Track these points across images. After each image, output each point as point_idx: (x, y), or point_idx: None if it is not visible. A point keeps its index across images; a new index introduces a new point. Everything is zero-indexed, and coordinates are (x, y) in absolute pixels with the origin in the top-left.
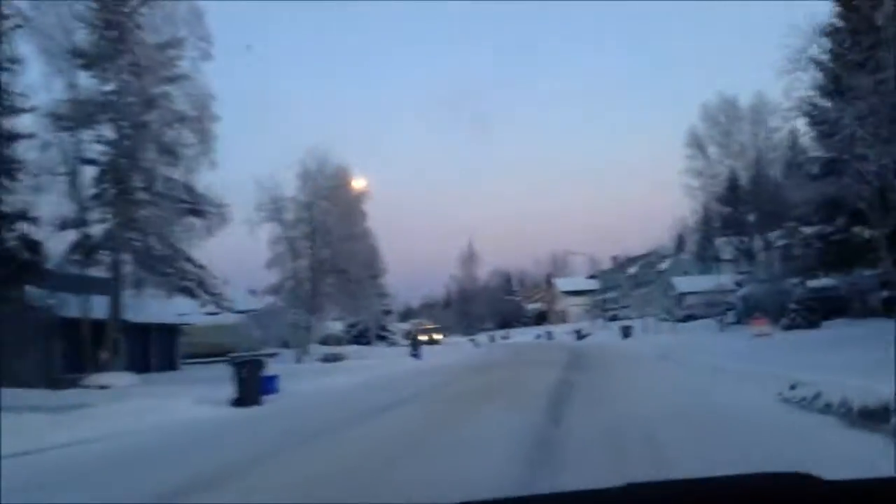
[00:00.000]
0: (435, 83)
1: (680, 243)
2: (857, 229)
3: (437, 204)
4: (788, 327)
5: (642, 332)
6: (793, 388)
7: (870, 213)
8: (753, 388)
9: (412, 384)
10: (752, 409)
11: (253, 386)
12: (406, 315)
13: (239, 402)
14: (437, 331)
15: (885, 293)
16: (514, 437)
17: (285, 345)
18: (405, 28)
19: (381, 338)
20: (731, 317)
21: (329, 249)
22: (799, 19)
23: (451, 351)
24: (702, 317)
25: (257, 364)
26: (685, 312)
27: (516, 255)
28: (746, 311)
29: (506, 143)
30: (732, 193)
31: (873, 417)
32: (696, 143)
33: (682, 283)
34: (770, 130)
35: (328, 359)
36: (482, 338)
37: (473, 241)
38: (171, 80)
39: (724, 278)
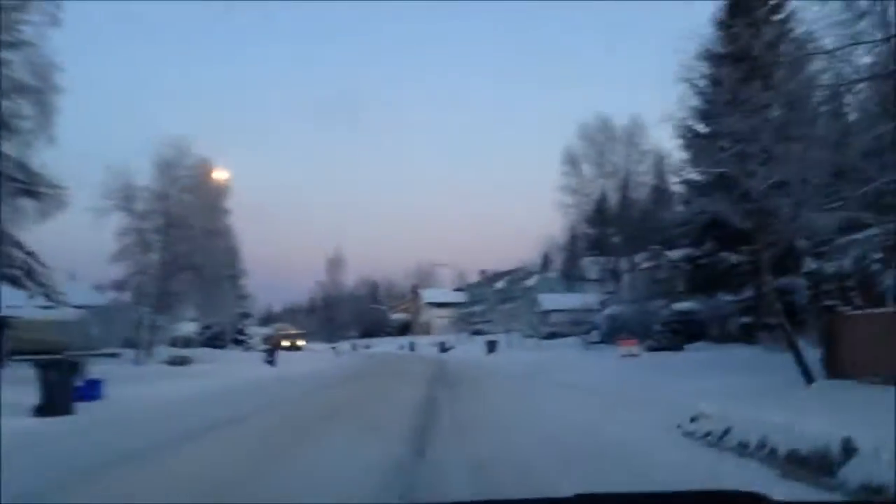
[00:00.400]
0: (313, 85)
1: (546, 261)
2: (723, 254)
3: (307, 208)
4: (653, 349)
5: (507, 348)
6: (694, 420)
7: (755, 234)
8: (646, 418)
9: (257, 396)
10: (655, 447)
11: (63, 392)
12: (268, 319)
13: (43, 410)
14: (300, 337)
15: (743, 319)
16: (365, 479)
17: (131, 345)
18: (281, 28)
19: (238, 342)
20: (595, 336)
21: (184, 245)
22: (679, 42)
23: (311, 359)
24: (566, 335)
25: (70, 366)
26: (550, 330)
27: (385, 265)
28: (611, 331)
29: (381, 151)
30: (599, 214)
31: (807, 466)
32: (572, 161)
33: (548, 301)
34: (641, 153)
35: (173, 362)
36: (344, 346)
37: (341, 248)
38: (11, 45)
39: (589, 297)
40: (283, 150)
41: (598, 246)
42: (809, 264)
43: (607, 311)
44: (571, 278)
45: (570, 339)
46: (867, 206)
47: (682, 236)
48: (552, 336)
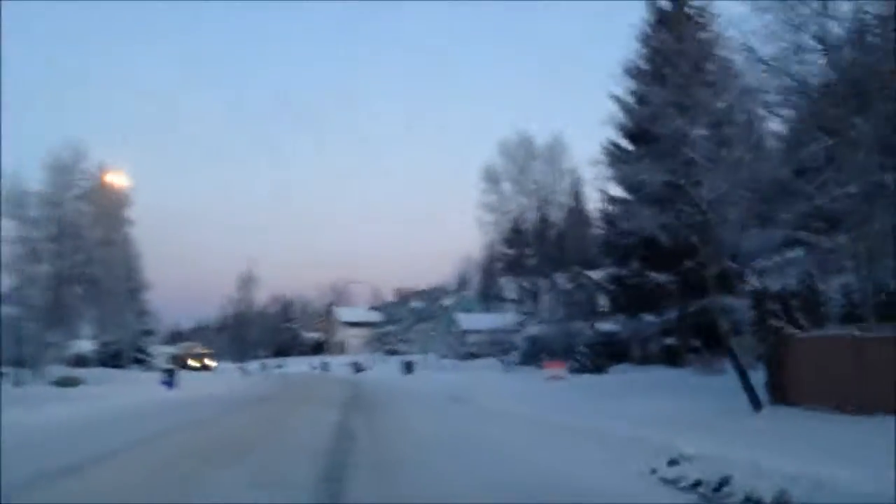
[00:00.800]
0: (230, 95)
1: (463, 280)
2: (650, 274)
3: (220, 223)
4: (576, 370)
5: (423, 369)
6: (674, 463)
7: (701, 246)
8: (608, 457)
9: (146, 424)
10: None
11: None
12: (176, 338)
13: None
14: (208, 356)
15: (666, 340)
16: None
17: (19, 363)
18: (190, 35)
19: (138, 361)
20: (514, 357)
21: (78, 255)
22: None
23: (218, 380)
24: (485, 355)
25: None
26: (468, 350)
27: (300, 283)
28: (532, 352)
29: (298, 167)
30: (517, 233)
31: None
32: (492, 178)
33: (466, 321)
34: (562, 172)
35: (61, 383)
36: (253, 366)
37: (254, 264)
38: None
39: (507, 317)
40: (196, 163)
41: (516, 265)
42: (753, 282)
43: (527, 332)
44: (489, 298)
45: (489, 360)
46: (805, 224)
47: (606, 255)
48: (470, 357)
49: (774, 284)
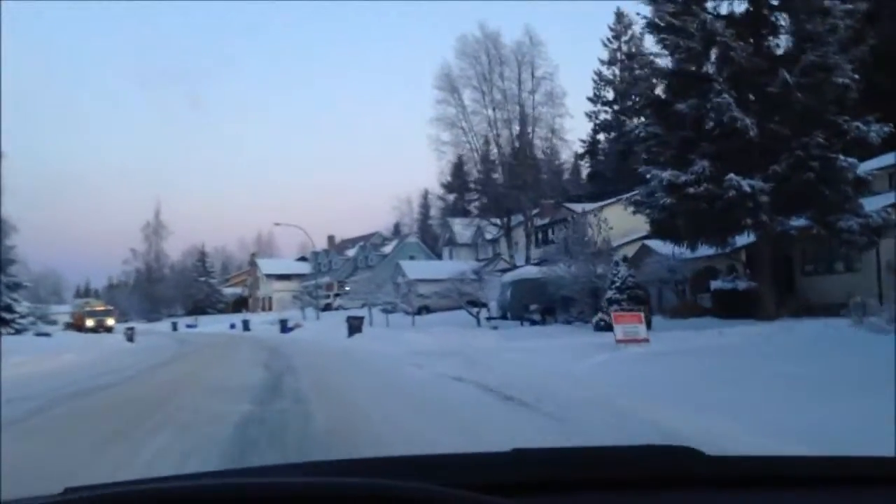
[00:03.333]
0: (146, 44)
1: (401, 226)
2: (731, 177)
3: (134, 177)
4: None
5: (369, 327)
6: None
7: None
8: None
9: None
10: None
11: None
12: (85, 295)
13: None
14: (107, 314)
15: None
16: None
17: None
18: None
19: (4, 322)
20: (493, 310)
21: None
22: None
23: (91, 346)
24: (440, 309)
25: None
26: (420, 303)
27: (222, 234)
28: (517, 304)
29: (216, 104)
30: (485, 160)
31: None
32: (450, 86)
33: (412, 269)
34: (537, 80)
35: None
36: (162, 325)
37: (160, 210)
38: None
39: (461, 264)
40: (109, 111)
41: (490, 199)
42: None
43: (510, 277)
44: (440, 243)
45: (453, 315)
46: None
47: (653, 155)
48: (425, 310)
49: None
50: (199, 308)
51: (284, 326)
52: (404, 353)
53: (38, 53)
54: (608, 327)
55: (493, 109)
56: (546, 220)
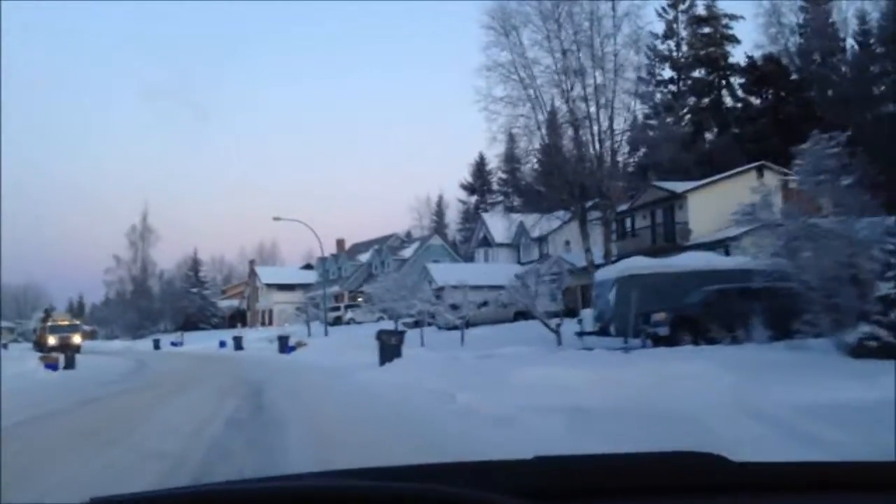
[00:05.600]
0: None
1: (429, 227)
2: None
3: (125, 187)
4: None
5: (413, 347)
6: None
7: None
8: None
9: None
10: None
11: None
12: (79, 311)
13: None
14: (74, 330)
15: None
16: None
17: None
18: None
19: None
20: (588, 322)
21: None
22: None
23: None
24: (479, 322)
25: None
26: (458, 315)
27: (221, 243)
28: (628, 311)
29: (213, 101)
30: (552, 124)
31: None
32: (504, 24)
33: (447, 273)
34: (622, 17)
35: None
36: (143, 344)
37: (146, 213)
38: None
39: (504, 267)
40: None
41: (549, 173)
42: None
43: (614, 274)
44: (455, 248)
45: (504, 330)
46: None
47: None
48: (465, 325)
49: None
50: (191, 323)
51: (284, 345)
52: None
53: (13, 52)
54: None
55: (563, 54)
56: (633, 204)
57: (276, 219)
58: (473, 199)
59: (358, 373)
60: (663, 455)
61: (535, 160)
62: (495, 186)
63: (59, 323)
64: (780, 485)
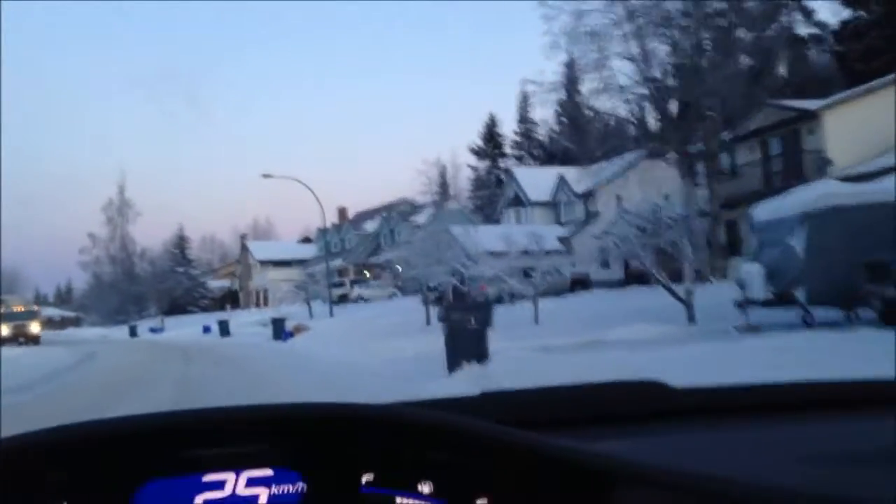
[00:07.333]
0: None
1: (445, 190)
2: None
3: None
4: None
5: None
6: None
7: None
8: None
9: None
10: None
11: None
12: (65, 299)
13: None
14: (31, 317)
15: None
16: None
17: None
18: None
19: None
20: (754, 286)
21: None
22: None
23: None
24: (520, 295)
25: None
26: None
27: (216, 224)
28: (829, 270)
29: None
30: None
31: None
32: None
33: (474, 239)
34: None
35: None
36: (118, 332)
37: (124, 186)
38: None
39: (547, 230)
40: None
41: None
42: None
43: (797, 209)
44: (493, 205)
45: (567, 303)
46: None
47: None
48: (508, 297)
49: None
50: (178, 306)
51: (280, 330)
52: None
53: None
54: None
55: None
56: (738, 133)
57: (266, 176)
58: (486, 163)
59: (417, 385)
60: (605, 385)
61: (608, 76)
62: (508, 150)
63: (13, 310)
64: (722, 407)
